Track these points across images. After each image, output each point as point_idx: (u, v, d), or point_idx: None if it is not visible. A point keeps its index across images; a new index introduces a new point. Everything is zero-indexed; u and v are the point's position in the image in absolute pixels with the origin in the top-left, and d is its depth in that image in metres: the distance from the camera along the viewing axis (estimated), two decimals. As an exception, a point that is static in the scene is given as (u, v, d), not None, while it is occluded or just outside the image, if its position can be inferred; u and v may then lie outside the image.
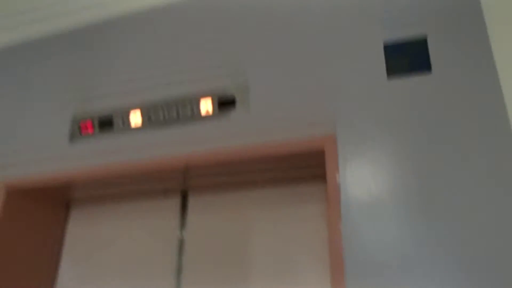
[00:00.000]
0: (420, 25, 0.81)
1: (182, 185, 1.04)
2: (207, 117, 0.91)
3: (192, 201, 1.07)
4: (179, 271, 1.01)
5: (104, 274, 1.08)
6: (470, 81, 0.74)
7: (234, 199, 1.02)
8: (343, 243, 0.71)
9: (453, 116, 0.73)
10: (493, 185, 0.66)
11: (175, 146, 0.92)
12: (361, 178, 0.75)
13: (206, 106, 0.92)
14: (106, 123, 1.00)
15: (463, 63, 0.76)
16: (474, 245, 0.64)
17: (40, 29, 1.19)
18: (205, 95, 0.92)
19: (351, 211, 0.73)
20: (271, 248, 0.95)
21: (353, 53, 0.84)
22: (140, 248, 1.07)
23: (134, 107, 0.98)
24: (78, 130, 1.03)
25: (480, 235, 0.64)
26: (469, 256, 0.64)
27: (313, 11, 0.91)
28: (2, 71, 1.21)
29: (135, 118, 0.98)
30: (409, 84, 0.78)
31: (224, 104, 0.90)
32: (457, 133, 0.72)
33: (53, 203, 1.15)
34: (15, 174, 1.04)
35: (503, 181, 0.66)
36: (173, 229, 1.05)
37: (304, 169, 0.91)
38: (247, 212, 1.01)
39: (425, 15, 0.81)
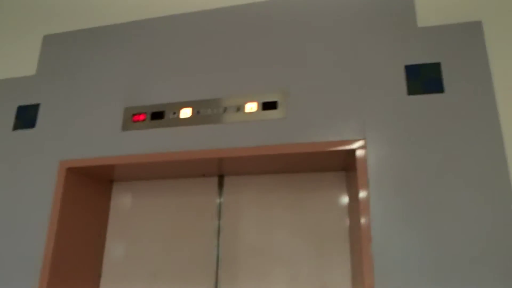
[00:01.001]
0: (435, 52, 1.00)
1: (220, 171, 1.22)
2: (250, 116, 1.07)
3: (228, 180, 1.26)
4: (218, 231, 1.22)
5: (146, 236, 1.27)
6: (471, 99, 0.95)
7: (265, 181, 1.22)
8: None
9: (456, 126, 0.94)
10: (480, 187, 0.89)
11: (216, 140, 1.08)
12: (385, 167, 0.96)
13: (251, 107, 1.08)
14: (157, 115, 1.14)
15: (467, 85, 0.96)
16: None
17: (100, 17, 1.29)
18: (251, 98, 1.08)
19: (377, 184, 0.94)
20: (291, 219, 1.17)
21: (380, 73, 1.02)
22: (182, 214, 1.26)
23: (185, 103, 1.13)
24: (130, 119, 1.16)
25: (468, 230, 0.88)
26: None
27: (350, 32, 1.07)
28: (61, 55, 1.30)
29: (185, 113, 1.12)
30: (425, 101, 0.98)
31: (267, 107, 1.07)
32: (457, 140, 0.93)
33: (100, 180, 1.30)
34: (73, 158, 1.17)
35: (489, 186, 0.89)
36: (212, 200, 1.25)
37: (330, 163, 1.11)
38: (274, 191, 1.21)
39: (439, 43, 1.00)
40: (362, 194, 0.95)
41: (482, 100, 0.95)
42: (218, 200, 1.25)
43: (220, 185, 1.26)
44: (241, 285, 1.17)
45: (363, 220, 0.93)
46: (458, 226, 0.88)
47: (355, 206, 1.04)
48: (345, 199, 1.16)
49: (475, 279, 0.85)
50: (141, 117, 1.16)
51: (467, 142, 0.93)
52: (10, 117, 1.28)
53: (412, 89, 0.99)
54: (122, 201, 1.34)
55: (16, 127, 1.26)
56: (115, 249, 1.30)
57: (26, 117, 1.26)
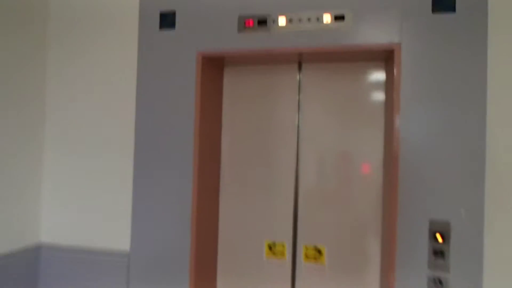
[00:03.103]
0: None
1: (300, 60, 1.84)
2: (326, 26, 1.65)
3: (304, 66, 1.88)
4: (299, 106, 1.89)
5: (247, 102, 1.96)
6: (475, 17, 1.50)
7: (330, 67, 1.84)
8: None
9: (464, 38, 1.51)
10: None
11: (301, 39, 1.67)
12: (414, 61, 1.56)
13: (326, 19, 1.64)
14: (262, 22, 1.72)
15: (472, 8, 1.50)
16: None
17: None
18: (327, 11, 1.65)
19: (408, 72, 1.56)
20: (347, 92, 1.82)
21: (416, -3, 1.56)
22: (269, 88, 1.92)
23: (281, 13, 1.70)
24: (243, 24, 1.75)
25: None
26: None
27: (395, -36, 1.58)
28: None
29: (281, 21, 1.70)
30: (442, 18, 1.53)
31: (337, 18, 1.63)
32: (457, 44, 1.51)
33: (219, 65, 1.94)
34: (204, 50, 1.79)
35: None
36: (294, 77, 1.90)
37: (376, 57, 1.71)
38: (337, 73, 1.84)
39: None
40: (396, 77, 1.56)
41: (477, 17, 1.50)
42: (298, 77, 1.90)
43: (299, 68, 1.89)
44: (320, 146, 1.86)
45: (395, 95, 1.56)
46: (465, 107, 1.51)
47: (390, 86, 1.67)
48: (383, 79, 1.78)
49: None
50: (251, 23, 1.74)
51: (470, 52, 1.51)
52: (156, 20, 1.87)
53: (435, 9, 1.54)
54: (231, 80, 1.99)
55: (161, 26, 1.86)
56: (229, 112, 1.99)
57: (167, 20, 1.85)
